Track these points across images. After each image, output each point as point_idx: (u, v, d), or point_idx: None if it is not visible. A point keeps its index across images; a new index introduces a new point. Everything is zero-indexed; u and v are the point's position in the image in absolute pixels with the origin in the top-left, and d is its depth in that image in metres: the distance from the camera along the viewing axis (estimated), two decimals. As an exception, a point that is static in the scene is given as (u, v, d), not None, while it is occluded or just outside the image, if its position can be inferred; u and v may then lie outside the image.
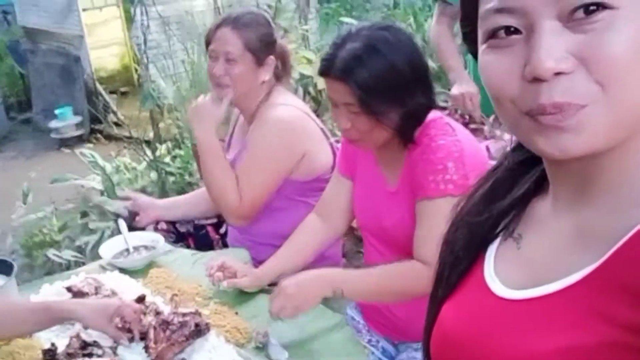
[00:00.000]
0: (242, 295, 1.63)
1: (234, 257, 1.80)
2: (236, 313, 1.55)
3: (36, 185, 3.78)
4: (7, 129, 6.56)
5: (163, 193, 3.14)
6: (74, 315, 1.38)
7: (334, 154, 1.99)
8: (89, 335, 1.44)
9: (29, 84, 6.89)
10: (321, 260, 1.77)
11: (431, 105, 1.46)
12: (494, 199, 0.67)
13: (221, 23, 1.94)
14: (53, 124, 6.03)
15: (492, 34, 0.55)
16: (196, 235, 2.17)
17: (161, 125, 4.95)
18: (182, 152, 3.41)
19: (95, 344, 1.41)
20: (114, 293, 1.58)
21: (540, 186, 0.65)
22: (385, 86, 1.39)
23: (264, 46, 1.93)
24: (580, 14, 0.50)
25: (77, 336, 1.42)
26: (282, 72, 2.03)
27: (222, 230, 2.19)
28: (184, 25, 5.05)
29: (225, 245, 2.16)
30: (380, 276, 1.46)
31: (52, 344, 1.39)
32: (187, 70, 4.35)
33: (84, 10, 6.23)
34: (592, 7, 0.50)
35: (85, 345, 1.41)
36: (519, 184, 0.66)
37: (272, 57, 1.95)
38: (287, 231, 1.88)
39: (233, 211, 1.92)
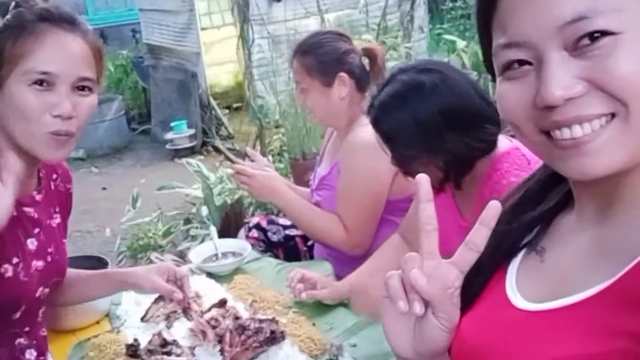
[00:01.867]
0: (321, 307, 1.63)
1: (317, 269, 1.81)
2: (313, 324, 1.55)
3: (146, 192, 4.00)
4: (128, 139, 7.01)
5: (260, 204, 3.22)
6: (130, 277, 1.46)
7: None
8: (170, 335, 1.50)
9: (150, 97, 7.33)
10: None
11: (477, 148, 1.34)
12: (524, 209, 0.68)
13: (293, 53, 1.93)
14: (169, 135, 6.36)
15: (507, 67, 0.57)
16: (285, 246, 2.20)
17: (267, 140, 5.10)
18: (282, 165, 3.48)
19: (174, 342, 1.46)
20: (197, 295, 1.63)
21: (568, 200, 0.65)
22: (407, 137, 1.33)
23: (329, 66, 1.87)
24: (585, 41, 0.52)
25: (159, 334, 1.48)
26: (370, 77, 1.96)
27: (310, 243, 2.20)
28: (292, 44, 5.18)
29: (311, 257, 2.17)
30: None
31: (135, 340, 1.45)
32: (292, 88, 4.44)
33: (203, 29, 6.56)
34: (596, 34, 0.51)
35: (165, 343, 1.45)
36: (549, 197, 0.67)
37: (341, 73, 1.87)
38: (374, 249, 1.87)
39: (345, 245, 1.91)
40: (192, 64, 6.57)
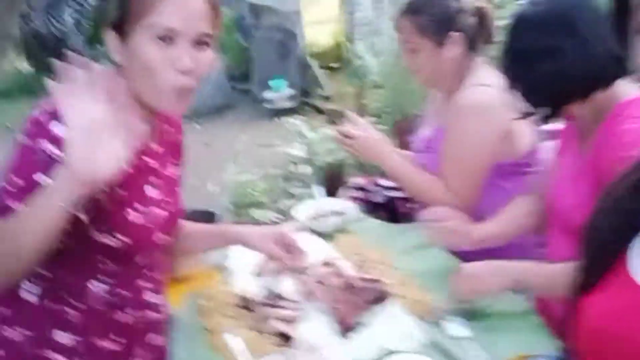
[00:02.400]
0: (428, 269, 1.62)
1: (421, 232, 1.79)
2: (419, 285, 1.54)
3: (247, 149, 4.10)
4: (229, 98, 7.17)
5: (360, 164, 3.22)
6: (246, 238, 1.49)
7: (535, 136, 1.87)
8: (280, 289, 1.54)
9: (250, 56, 7.44)
10: (513, 249, 1.69)
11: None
12: None
13: (398, 14, 1.87)
14: (268, 95, 6.45)
15: None
16: (387, 207, 2.19)
17: (365, 100, 5.07)
18: (382, 127, 3.45)
19: (284, 297, 1.50)
20: (302, 251, 1.65)
21: None
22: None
23: (441, 25, 1.82)
24: None
25: (269, 288, 1.52)
26: (480, 36, 1.90)
27: (410, 205, 2.16)
28: (397, 1, 5.06)
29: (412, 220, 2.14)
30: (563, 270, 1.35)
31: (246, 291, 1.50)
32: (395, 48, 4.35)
33: (303, -13, 6.55)
34: None
35: (275, 297, 1.50)
36: None
37: (453, 32, 1.82)
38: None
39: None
40: (291, 24, 6.59)
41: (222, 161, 4.64)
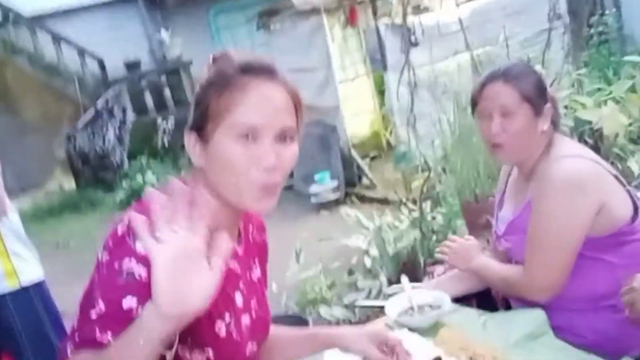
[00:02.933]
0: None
1: (528, 320, 1.65)
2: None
3: (303, 245, 4.02)
4: (273, 196, 7.21)
5: (428, 251, 3.11)
6: (339, 340, 1.40)
7: (634, 203, 1.75)
8: None
9: (292, 154, 7.53)
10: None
11: None
12: None
13: (489, 79, 1.82)
14: (312, 189, 6.46)
15: None
16: (477, 294, 2.05)
17: (413, 185, 5.01)
18: (444, 210, 3.36)
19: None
20: (407, 353, 1.53)
21: None
22: None
23: (541, 94, 1.80)
24: None
25: None
26: (556, 119, 1.88)
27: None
28: (436, 86, 5.11)
29: (508, 306, 2.00)
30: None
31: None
32: (439, 130, 4.31)
33: (339, 82, 6.68)
34: None
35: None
36: None
37: (548, 105, 1.81)
38: (584, 293, 1.70)
39: (526, 290, 1.77)
40: (331, 118, 6.68)
41: (278, 259, 4.57)
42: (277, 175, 1.10)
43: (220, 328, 1.11)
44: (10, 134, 9.79)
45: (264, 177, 1.08)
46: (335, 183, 6.44)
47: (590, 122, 2.53)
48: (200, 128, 1.10)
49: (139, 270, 0.98)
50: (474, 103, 1.86)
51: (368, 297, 3.09)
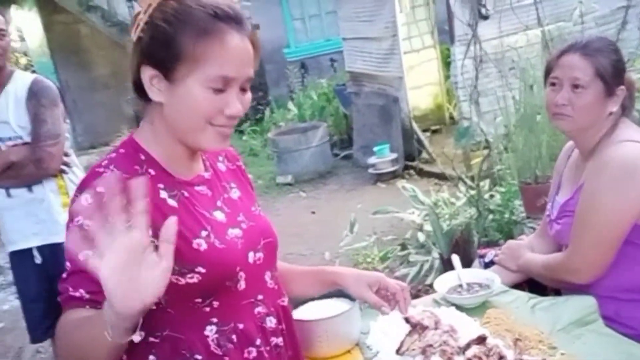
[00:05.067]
0: (592, 351, 1.46)
1: (578, 306, 1.64)
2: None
3: (358, 216, 4.05)
4: (331, 164, 7.25)
5: (483, 230, 3.08)
6: (340, 279, 1.49)
7: None
8: None
9: (351, 123, 7.52)
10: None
11: None
12: None
13: (567, 49, 1.80)
14: (371, 160, 6.45)
15: None
16: (527, 279, 2.04)
17: (473, 162, 4.93)
18: (502, 189, 3.31)
19: None
20: (452, 330, 1.54)
21: None
22: None
23: (616, 74, 1.75)
24: None
25: None
26: (628, 104, 1.82)
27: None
28: (503, 62, 4.97)
29: (558, 292, 1.99)
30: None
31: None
32: (503, 107, 4.21)
33: (404, 53, 6.59)
34: None
35: None
36: None
37: (622, 87, 1.76)
38: (632, 282, 1.68)
39: (567, 271, 1.80)
40: (394, 89, 6.62)
41: (329, 228, 4.62)
42: (235, 121, 1.15)
43: (200, 243, 1.13)
44: (82, 90, 10.15)
45: (227, 123, 1.13)
46: (394, 155, 6.40)
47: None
48: (168, 68, 1.09)
49: (88, 223, 0.97)
50: (548, 70, 1.83)
51: (419, 272, 3.10)
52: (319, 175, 7.00)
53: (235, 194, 1.29)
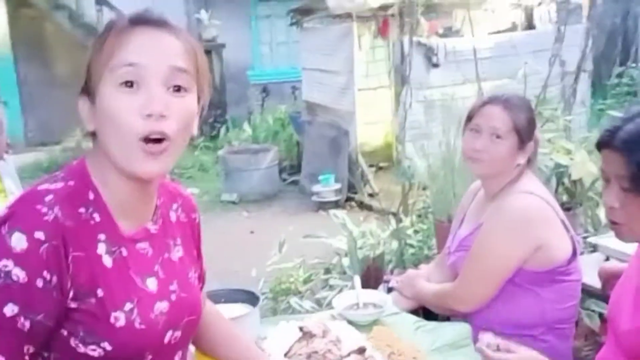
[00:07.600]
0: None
1: (453, 331, 1.81)
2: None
3: (291, 239, 4.18)
4: (278, 188, 7.39)
5: (402, 262, 3.26)
6: None
7: (574, 247, 1.91)
8: None
9: (302, 150, 7.70)
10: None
11: None
12: None
13: (490, 101, 1.96)
14: (316, 187, 6.62)
15: None
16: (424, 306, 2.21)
17: (410, 200, 5.14)
18: (424, 227, 3.51)
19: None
20: (338, 340, 1.69)
21: None
22: None
23: (529, 130, 1.94)
24: None
25: None
26: (533, 158, 2.01)
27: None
28: (447, 109, 5.24)
29: (448, 318, 2.17)
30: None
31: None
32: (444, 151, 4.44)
33: (359, 90, 6.84)
34: None
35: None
36: None
37: (532, 142, 1.95)
38: (511, 319, 1.86)
39: (454, 303, 1.98)
40: (345, 122, 6.84)
41: (266, 248, 4.73)
42: (164, 125, 0.96)
43: (118, 318, 1.00)
44: (40, 85, 10.06)
45: (147, 127, 0.95)
46: (338, 185, 6.59)
47: (567, 167, 2.67)
48: (87, 87, 1.00)
49: (16, 272, 0.91)
50: (470, 117, 1.98)
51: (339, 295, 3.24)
52: (264, 197, 7.12)
53: (177, 253, 1.15)
